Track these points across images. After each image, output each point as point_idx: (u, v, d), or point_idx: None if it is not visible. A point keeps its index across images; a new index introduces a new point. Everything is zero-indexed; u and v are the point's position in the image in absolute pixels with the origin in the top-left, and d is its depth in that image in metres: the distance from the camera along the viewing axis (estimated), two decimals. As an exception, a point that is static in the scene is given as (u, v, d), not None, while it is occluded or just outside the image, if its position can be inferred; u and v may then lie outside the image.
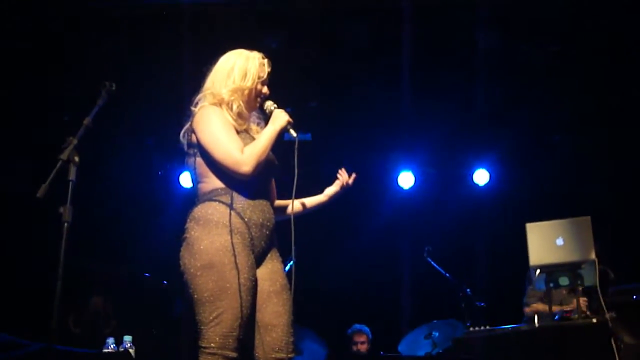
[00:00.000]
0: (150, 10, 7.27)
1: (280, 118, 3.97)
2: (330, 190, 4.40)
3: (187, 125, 3.98)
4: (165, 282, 7.54)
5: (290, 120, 3.98)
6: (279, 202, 4.18)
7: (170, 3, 7.17)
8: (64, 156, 3.46)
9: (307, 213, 4.29)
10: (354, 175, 4.39)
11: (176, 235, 3.93)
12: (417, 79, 8.15)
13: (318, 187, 4.38)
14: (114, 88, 3.79)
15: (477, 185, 9.28)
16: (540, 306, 6.94)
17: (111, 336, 5.38)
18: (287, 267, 5.22)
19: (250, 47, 4.15)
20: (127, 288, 7.83)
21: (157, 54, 7.56)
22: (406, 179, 9.26)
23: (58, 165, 3.43)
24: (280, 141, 3.97)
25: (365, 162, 9.12)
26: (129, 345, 5.27)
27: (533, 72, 8.10)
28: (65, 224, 3.41)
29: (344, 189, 4.40)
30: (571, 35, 7.65)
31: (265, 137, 3.90)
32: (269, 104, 4.07)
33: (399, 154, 9.21)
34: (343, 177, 4.40)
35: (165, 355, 6.96)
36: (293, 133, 3.99)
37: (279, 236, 4.04)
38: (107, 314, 7.34)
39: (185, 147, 3.99)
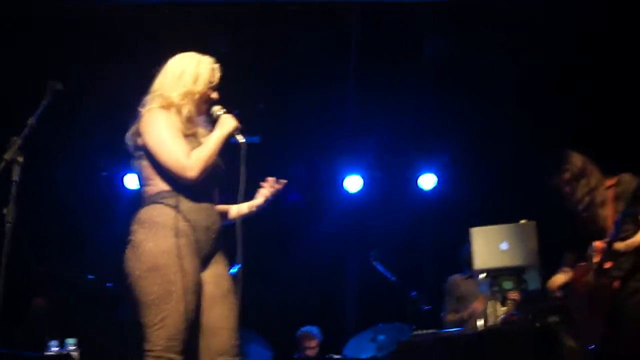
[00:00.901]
0: (97, 12, 7.20)
1: (227, 123, 3.96)
2: (254, 203, 4.26)
3: (134, 127, 3.94)
4: (109, 284, 7.47)
5: (238, 125, 3.97)
6: (219, 207, 4.14)
7: (116, 4, 7.10)
8: (7, 156, 3.41)
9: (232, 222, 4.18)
10: (283, 182, 4.29)
11: (121, 237, 3.89)
12: (364, 82, 8.19)
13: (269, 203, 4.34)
14: (59, 87, 3.75)
15: (423, 189, 9.33)
16: (454, 316, 7.08)
17: (54, 339, 5.32)
18: (234, 271, 5.21)
19: (197, 49, 4.13)
20: (71, 290, 7.75)
21: (103, 54, 7.48)
22: (353, 183, 9.28)
23: (1, 165, 3.38)
24: (228, 144, 3.95)
25: (312, 165, 9.15)
26: (72, 348, 5.21)
27: (480, 79, 8.18)
28: (8, 225, 3.36)
29: (272, 198, 4.29)
30: (517, 43, 7.74)
31: (212, 142, 3.89)
32: (217, 109, 4.05)
33: (346, 157, 9.24)
34: (268, 188, 4.28)
35: (109, 358, 6.89)
36: (240, 139, 3.98)
37: (225, 240, 4.02)
38: (50, 316, 7.25)
39: (132, 150, 3.95)
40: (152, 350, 3.66)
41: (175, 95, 3.93)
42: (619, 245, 5.20)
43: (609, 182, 5.51)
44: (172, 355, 3.66)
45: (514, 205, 7.98)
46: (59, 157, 8.47)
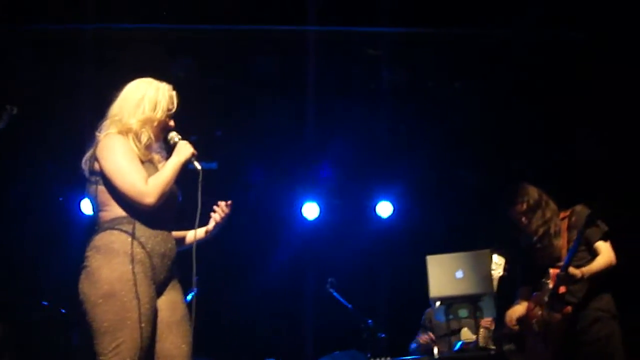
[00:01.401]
0: (53, 35, 7.16)
1: (184, 150, 3.96)
2: (208, 228, 4.26)
3: (90, 152, 3.93)
4: (63, 310, 7.39)
5: (194, 152, 3.98)
6: (176, 234, 4.13)
7: (74, 28, 7.06)
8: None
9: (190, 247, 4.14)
10: (229, 203, 4.25)
11: (76, 263, 3.86)
12: (322, 110, 8.21)
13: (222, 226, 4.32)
14: (15, 112, 3.72)
15: (380, 216, 9.36)
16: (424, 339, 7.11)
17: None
18: (189, 298, 5.18)
19: (155, 74, 4.13)
20: (25, 317, 7.65)
21: (59, 78, 7.43)
22: (311, 210, 9.28)
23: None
24: (184, 171, 3.95)
25: (270, 192, 9.14)
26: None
27: (437, 107, 8.25)
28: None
29: (223, 221, 4.26)
30: (475, 71, 7.83)
31: (169, 168, 3.89)
32: (173, 135, 4.05)
33: (304, 184, 9.24)
34: (218, 213, 4.25)
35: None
36: (197, 165, 3.98)
37: (180, 266, 4.00)
38: (2, 342, 7.15)
39: (87, 174, 3.93)
40: (105, 378, 3.62)
41: (134, 122, 3.92)
42: (574, 271, 5.26)
43: (563, 214, 5.60)
44: (125, 383, 3.62)
45: (471, 233, 8.04)
46: (13, 181, 8.37)
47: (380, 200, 9.33)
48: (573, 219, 5.52)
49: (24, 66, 7.32)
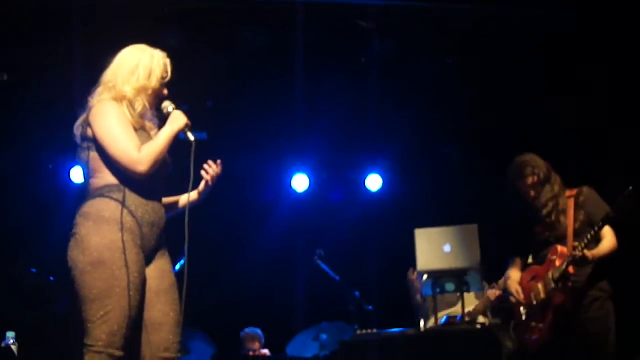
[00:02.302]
0: (44, 2, 7.11)
1: (178, 120, 3.95)
2: (200, 189, 4.22)
3: (82, 118, 3.91)
4: (51, 278, 7.39)
5: (188, 122, 3.97)
6: (168, 199, 4.13)
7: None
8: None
9: (181, 212, 4.12)
10: (219, 162, 4.18)
11: (65, 231, 3.86)
12: (311, 82, 8.21)
13: (213, 186, 4.32)
14: (4, 78, 3.70)
15: (369, 190, 9.38)
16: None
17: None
18: (178, 267, 5.19)
19: (146, 42, 4.10)
20: (13, 284, 7.65)
21: (47, 47, 7.39)
22: (300, 182, 9.29)
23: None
24: (177, 141, 3.94)
25: (260, 164, 9.14)
26: (11, 341, 5.16)
27: (427, 82, 8.25)
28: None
29: (213, 181, 4.19)
30: (466, 48, 7.83)
31: (162, 137, 3.87)
32: (167, 105, 4.04)
33: (293, 156, 9.25)
34: (209, 173, 4.18)
35: (49, 353, 6.82)
36: (191, 136, 3.97)
37: (170, 236, 4.01)
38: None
39: (79, 140, 3.91)
40: (94, 346, 3.63)
41: (129, 90, 3.90)
42: (588, 254, 5.29)
43: (569, 192, 5.59)
44: (113, 351, 3.64)
45: (459, 208, 8.07)
46: (2, 150, 8.34)
47: (370, 173, 9.35)
48: (581, 199, 5.50)
49: (12, 33, 7.28)
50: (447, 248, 5.99)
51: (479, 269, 5.99)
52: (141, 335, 3.82)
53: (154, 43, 4.12)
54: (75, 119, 3.94)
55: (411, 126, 8.78)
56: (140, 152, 3.77)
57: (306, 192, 9.34)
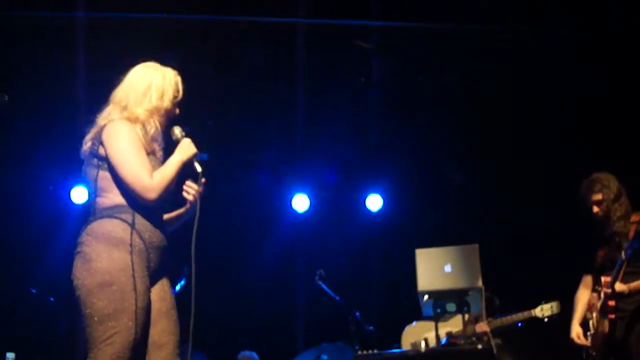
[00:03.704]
0: (45, 22, 7.13)
1: (188, 149, 3.93)
2: (186, 208, 4.13)
3: (91, 134, 3.88)
4: (51, 299, 7.38)
5: (197, 152, 3.95)
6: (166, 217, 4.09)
7: (64, 16, 7.03)
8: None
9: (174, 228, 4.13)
10: (202, 180, 4.01)
11: (65, 251, 3.84)
12: (312, 102, 8.22)
13: (212, 207, 4.33)
14: (6, 99, 3.70)
15: (370, 210, 9.38)
16: None
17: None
18: (178, 288, 5.17)
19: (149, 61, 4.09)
20: (12, 304, 7.65)
21: (50, 66, 7.42)
22: (301, 202, 9.29)
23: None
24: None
25: (260, 183, 9.14)
26: (11, 362, 5.15)
27: (427, 101, 8.27)
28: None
29: (196, 200, 4.05)
30: (466, 68, 7.85)
31: (172, 166, 3.86)
32: (178, 132, 4.01)
33: (293, 176, 9.25)
34: (190, 193, 4.04)
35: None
36: (198, 167, 3.95)
37: (170, 258, 4.00)
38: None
39: (88, 157, 3.88)
40: (96, 366, 3.62)
41: (142, 112, 3.88)
42: (621, 288, 5.26)
43: (635, 216, 5.54)
44: (116, 374, 3.62)
45: (459, 227, 8.07)
46: (3, 169, 8.35)
47: (370, 193, 9.35)
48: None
49: (15, 53, 7.30)
50: (448, 268, 5.98)
51: (480, 289, 5.97)
52: (145, 357, 3.79)
53: (156, 61, 4.11)
54: (77, 139, 3.92)
55: (411, 146, 8.79)
56: (153, 179, 3.76)
57: (306, 212, 9.34)
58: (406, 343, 7.04)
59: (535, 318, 6.65)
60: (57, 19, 7.07)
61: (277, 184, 9.30)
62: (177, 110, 4.03)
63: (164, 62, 4.13)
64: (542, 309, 6.61)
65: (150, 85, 3.94)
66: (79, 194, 8.50)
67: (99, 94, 4.01)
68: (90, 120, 3.92)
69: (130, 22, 7.11)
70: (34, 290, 7.50)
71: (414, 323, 7.25)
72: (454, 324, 6.57)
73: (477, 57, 7.68)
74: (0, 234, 8.30)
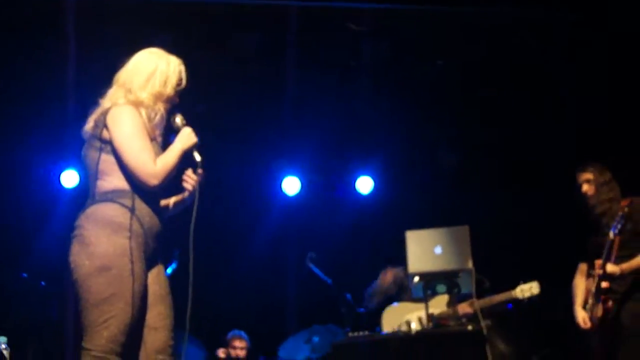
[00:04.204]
0: (34, 5, 7.09)
1: (188, 139, 3.94)
2: (184, 196, 4.12)
3: (95, 116, 3.86)
4: (43, 283, 7.38)
5: (197, 142, 3.96)
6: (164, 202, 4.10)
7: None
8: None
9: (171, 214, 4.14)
10: (200, 171, 4.03)
11: (56, 235, 3.84)
12: (302, 85, 8.22)
13: (202, 191, 4.31)
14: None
15: (360, 192, 9.39)
16: None
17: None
18: (170, 271, 5.18)
19: (140, 46, 4.08)
20: (2, 289, 7.64)
21: (39, 49, 7.38)
22: (291, 185, 9.28)
23: None
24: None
25: (250, 167, 9.13)
26: (3, 347, 5.14)
27: (418, 84, 8.27)
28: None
29: (194, 190, 4.06)
30: (458, 51, 7.85)
31: (173, 153, 3.86)
32: (179, 120, 4.01)
33: (284, 159, 9.25)
34: (188, 182, 4.05)
35: (41, 357, 6.82)
36: (197, 157, 3.96)
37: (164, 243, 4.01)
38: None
39: (89, 138, 3.86)
40: (92, 350, 3.62)
41: (146, 97, 3.87)
42: (613, 269, 5.30)
43: (624, 202, 5.57)
44: (112, 357, 3.62)
45: (450, 209, 8.09)
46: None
47: (360, 175, 9.36)
48: (628, 210, 5.42)
49: (3, 37, 7.27)
50: (438, 250, 6.01)
51: (470, 271, 6.00)
52: (141, 341, 3.81)
53: (145, 47, 4.10)
54: (67, 123, 3.92)
55: (402, 128, 8.79)
56: (156, 166, 3.76)
57: (297, 194, 9.34)
58: (386, 324, 7.01)
59: (517, 299, 6.60)
60: (47, 2, 7.03)
61: (268, 166, 9.30)
62: (177, 99, 4.02)
63: (153, 46, 4.12)
64: (522, 290, 6.47)
65: (154, 71, 3.93)
66: (69, 178, 8.45)
67: (88, 77, 4.00)
68: (94, 102, 3.89)
69: (119, 6, 7.07)
70: (25, 275, 7.50)
71: (395, 304, 7.24)
72: (435, 305, 6.52)
73: (469, 40, 7.68)
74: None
